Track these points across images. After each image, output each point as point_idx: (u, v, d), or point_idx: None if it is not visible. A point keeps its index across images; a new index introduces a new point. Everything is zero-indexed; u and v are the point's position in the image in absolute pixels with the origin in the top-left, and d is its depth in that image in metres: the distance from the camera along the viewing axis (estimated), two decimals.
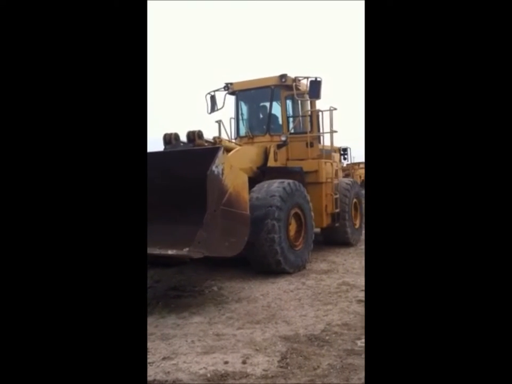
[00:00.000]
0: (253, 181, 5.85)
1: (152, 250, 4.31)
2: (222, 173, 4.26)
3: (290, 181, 5.74)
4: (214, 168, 4.15)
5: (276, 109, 7.14)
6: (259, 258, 5.37)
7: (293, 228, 5.74)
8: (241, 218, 4.55)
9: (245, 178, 4.73)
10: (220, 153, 4.29)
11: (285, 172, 6.39)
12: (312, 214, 6.13)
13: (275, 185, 5.49)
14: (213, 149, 4.61)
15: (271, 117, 7.08)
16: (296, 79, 6.97)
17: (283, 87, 6.95)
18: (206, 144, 5.54)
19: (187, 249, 3.94)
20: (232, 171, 4.47)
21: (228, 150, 5.91)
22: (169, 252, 4.13)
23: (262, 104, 7.37)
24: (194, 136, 5.39)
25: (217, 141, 5.80)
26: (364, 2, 1.72)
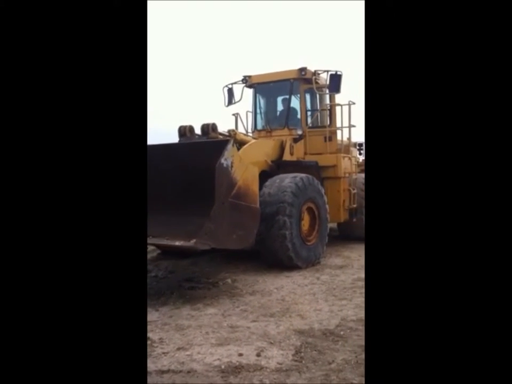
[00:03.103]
0: (268, 175, 5.83)
1: (160, 240, 4.41)
2: (231, 166, 4.26)
3: (303, 175, 5.66)
4: (222, 160, 4.15)
5: (295, 103, 7.06)
6: (271, 254, 5.37)
7: (306, 222, 5.70)
8: (250, 212, 4.54)
9: (255, 171, 4.70)
10: (229, 146, 4.28)
11: (300, 166, 6.33)
12: (327, 207, 6.08)
13: (287, 181, 5.43)
14: (222, 142, 4.61)
15: (290, 111, 7.00)
16: (315, 73, 6.88)
17: (302, 80, 6.88)
18: (220, 137, 5.54)
19: (194, 240, 3.98)
20: (242, 164, 4.46)
21: (242, 143, 5.90)
22: (177, 243, 4.19)
23: (280, 97, 7.30)
24: (209, 128, 5.42)
25: (231, 134, 5.79)
26: (364, 2, 1.72)
